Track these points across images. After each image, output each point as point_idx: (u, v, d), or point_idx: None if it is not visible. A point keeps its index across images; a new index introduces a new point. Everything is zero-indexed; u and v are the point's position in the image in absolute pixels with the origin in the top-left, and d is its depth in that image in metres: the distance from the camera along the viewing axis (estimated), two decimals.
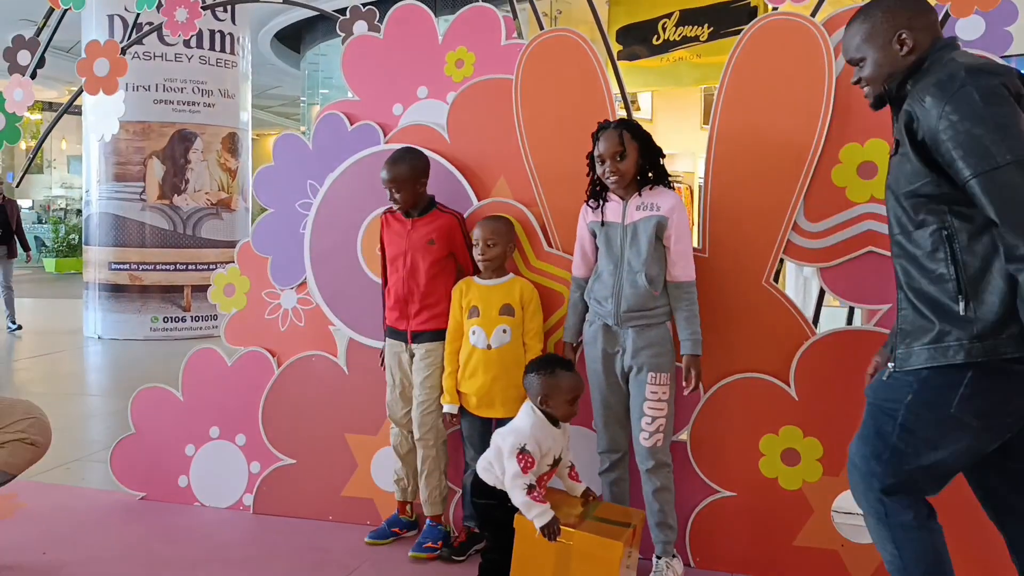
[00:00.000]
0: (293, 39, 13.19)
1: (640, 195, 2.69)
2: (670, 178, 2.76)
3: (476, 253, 2.91)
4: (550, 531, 2.35)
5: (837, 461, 2.70)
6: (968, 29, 2.72)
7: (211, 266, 7.94)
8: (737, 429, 2.85)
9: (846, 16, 2.70)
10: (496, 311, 2.87)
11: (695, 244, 2.88)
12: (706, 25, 7.79)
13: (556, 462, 2.53)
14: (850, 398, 2.61)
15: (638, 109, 9.89)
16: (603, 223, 2.73)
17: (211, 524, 3.30)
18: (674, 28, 8.03)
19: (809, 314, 2.97)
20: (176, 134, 8.20)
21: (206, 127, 8.37)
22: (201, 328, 8.34)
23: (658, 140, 2.79)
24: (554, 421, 2.52)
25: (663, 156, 2.75)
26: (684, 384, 2.68)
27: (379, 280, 3.18)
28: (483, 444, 2.76)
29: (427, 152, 3.11)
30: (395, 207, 3.02)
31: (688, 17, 7.93)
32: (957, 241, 1.84)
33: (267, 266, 3.43)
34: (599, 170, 2.70)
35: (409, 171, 2.96)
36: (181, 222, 8.26)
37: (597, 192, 2.76)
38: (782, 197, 2.79)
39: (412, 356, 3.04)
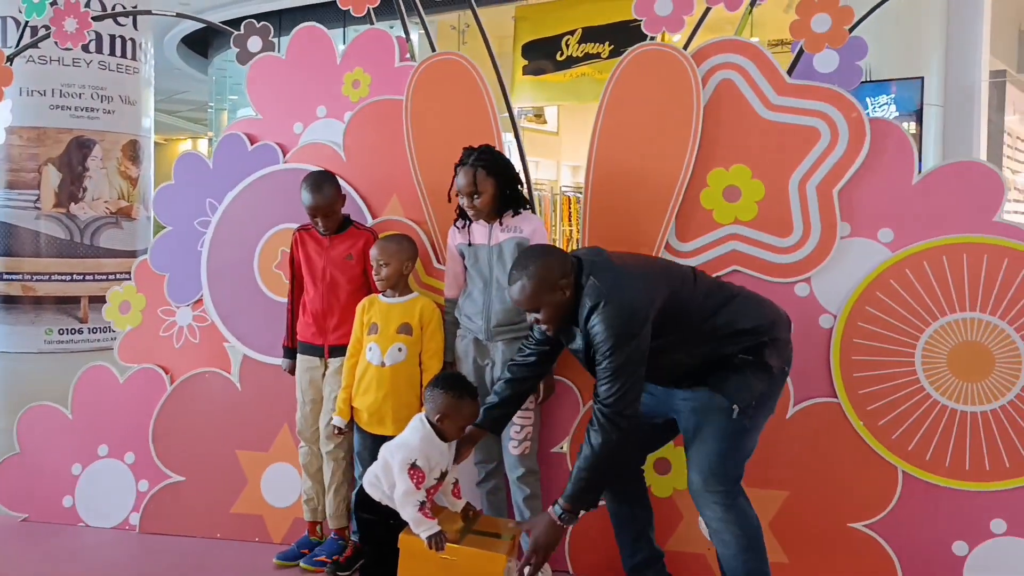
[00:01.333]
0: (200, 44, 12.94)
1: (502, 222, 2.84)
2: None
3: (374, 274, 2.94)
4: (436, 542, 2.41)
5: None
6: (823, 63, 2.95)
7: (110, 276, 7.73)
8: None
9: (714, 48, 2.91)
10: (394, 329, 2.90)
11: None
12: (607, 43, 8.07)
13: (443, 475, 2.60)
14: None
15: (544, 122, 10.11)
16: (470, 244, 2.87)
17: (94, 545, 3.26)
18: (577, 45, 8.28)
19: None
20: (73, 141, 7.95)
21: (105, 134, 8.14)
22: (99, 340, 8.09)
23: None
24: (442, 436, 2.57)
25: (522, 184, 2.91)
26: (532, 396, 2.80)
27: (276, 298, 3.23)
28: (373, 460, 2.78)
29: None
30: (320, 231, 3.06)
31: (591, 34, 8.19)
32: None
33: (164, 283, 3.42)
34: (460, 201, 2.83)
35: (333, 196, 3.02)
36: (78, 231, 8.01)
37: (463, 215, 2.90)
38: (656, 218, 2.95)
39: (326, 370, 3.08)
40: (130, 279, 3.47)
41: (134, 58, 8.30)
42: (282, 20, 10.06)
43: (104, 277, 7.93)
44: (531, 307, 2.38)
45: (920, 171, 2.78)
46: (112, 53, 8.11)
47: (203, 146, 21.06)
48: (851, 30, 2.91)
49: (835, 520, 2.82)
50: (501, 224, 2.85)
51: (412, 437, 2.53)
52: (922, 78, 6.79)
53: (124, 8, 7.95)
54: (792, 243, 2.86)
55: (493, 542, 2.49)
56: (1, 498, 3.48)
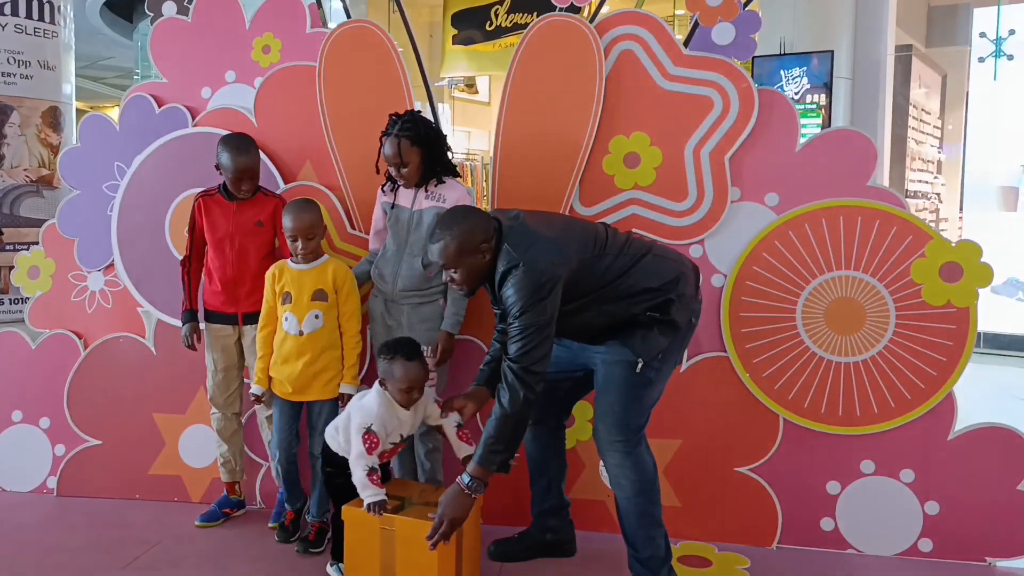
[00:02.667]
0: (125, 8, 12.54)
1: (428, 189, 2.89)
2: (455, 168, 2.98)
3: (296, 247, 2.83)
4: (375, 508, 2.45)
5: None
6: (720, 35, 3.09)
7: (32, 246, 7.54)
8: None
9: (616, 20, 3.03)
10: (308, 297, 2.85)
11: None
12: (536, 13, 8.07)
13: (402, 439, 2.63)
14: None
15: (476, 92, 10.14)
16: (394, 205, 2.94)
17: (10, 507, 3.30)
18: (506, 15, 8.32)
19: None
20: None
21: (23, 100, 7.87)
22: (21, 311, 7.91)
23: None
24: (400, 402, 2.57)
25: (449, 150, 2.98)
26: (431, 356, 2.83)
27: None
28: (290, 430, 2.92)
29: None
30: (242, 194, 3.03)
31: (519, 4, 8.25)
32: None
33: (73, 248, 3.42)
34: (389, 169, 2.89)
35: (257, 159, 3.05)
36: None
37: (391, 178, 2.95)
38: (561, 183, 3.08)
39: (240, 338, 3.11)
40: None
41: (52, 21, 8.04)
42: None
43: (25, 247, 7.71)
44: (449, 266, 2.43)
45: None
46: (29, 16, 7.84)
47: None
48: (745, 5, 3.05)
49: (723, 465, 3.02)
50: (426, 191, 2.90)
51: (372, 402, 2.56)
52: (832, 51, 7.03)
53: None
54: (687, 207, 3.01)
55: (428, 510, 2.49)
56: None
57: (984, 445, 2.86)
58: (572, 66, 3.05)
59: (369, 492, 2.48)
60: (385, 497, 2.50)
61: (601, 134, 3.05)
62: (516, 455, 2.47)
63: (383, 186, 3.01)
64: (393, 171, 2.87)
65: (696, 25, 3.08)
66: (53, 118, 8.16)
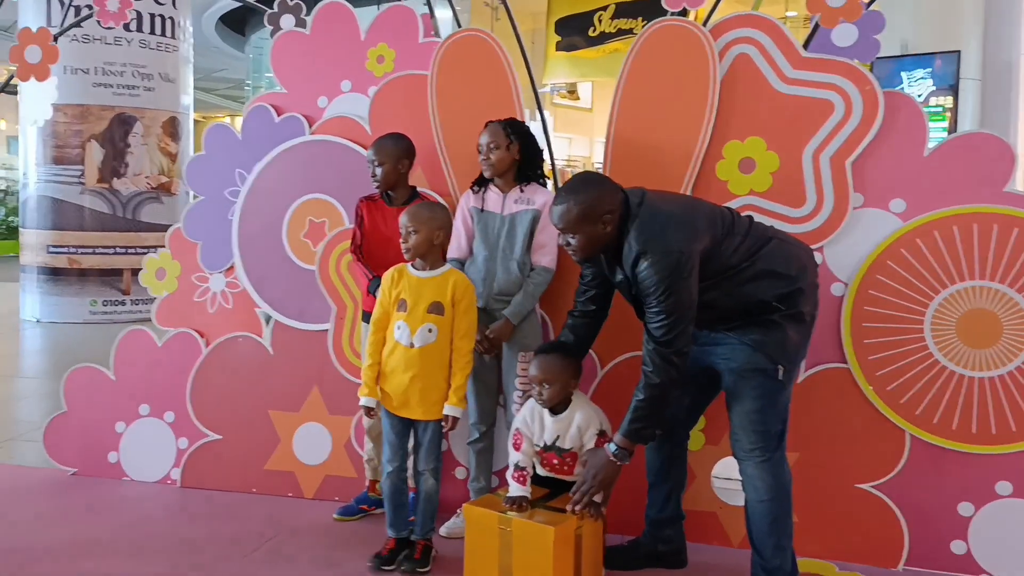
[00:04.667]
0: (238, 22, 13.13)
1: (518, 191, 2.95)
2: (545, 176, 3.02)
3: (401, 242, 2.76)
4: (512, 504, 2.56)
5: (717, 431, 2.96)
6: (841, 37, 2.99)
7: (151, 250, 7.95)
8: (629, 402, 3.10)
9: (731, 23, 2.97)
10: (424, 308, 2.72)
11: None
12: (640, 18, 8.06)
13: (549, 447, 2.65)
14: None
15: (577, 99, 10.13)
16: (483, 210, 2.97)
17: (138, 497, 3.45)
18: (610, 20, 8.29)
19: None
20: (115, 118, 8.18)
21: (146, 111, 8.37)
22: (141, 311, 8.35)
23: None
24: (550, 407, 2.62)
25: (542, 158, 3.02)
26: (525, 362, 2.88)
27: (304, 265, 3.38)
28: (400, 445, 2.82)
29: (349, 143, 3.31)
30: (374, 185, 3.08)
31: (623, 10, 8.20)
32: None
33: (197, 251, 3.58)
34: (480, 159, 2.94)
35: (394, 152, 3.06)
36: (121, 206, 8.26)
37: (480, 182, 3.01)
38: (673, 189, 3.01)
39: None
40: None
41: (173, 36, 8.49)
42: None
43: (145, 251, 8.12)
44: (569, 230, 2.43)
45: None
46: (152, 32, 8.31)
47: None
48: (868, 5, 2.94)
49: (844, 481, 2.89)
50: (515, 195, 2.96)
51: (526, 406, 2.71)
52: (959, 52, 6.70)
53: None
54: (805, 213, 2.92)
55: (553, 516, 2.53)
56: (51, 453, 3.69)
57: None
58: (685, 71, 3.00)
59: (512, 488, 2.60)
60: (526, 495, 2.58)
61: (715, 139, 2.98)
62: (659, 431, 2.57)
63: (470, 188, 3.03)
64: (483, 159, 2.93)
65: (816, 27, 2.98)
66: (173, 128, 8.61)
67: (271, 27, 3.79)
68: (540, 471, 2.74)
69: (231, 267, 3.53)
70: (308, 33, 3.51)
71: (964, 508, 2.81)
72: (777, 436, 2.50)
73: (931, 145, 2.82)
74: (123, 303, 8.34)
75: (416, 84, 3.29)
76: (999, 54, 6.96)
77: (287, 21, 3.76)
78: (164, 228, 8.24)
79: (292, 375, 3.44)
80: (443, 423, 2.76)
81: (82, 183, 8.15)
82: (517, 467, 2.61)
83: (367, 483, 3.29)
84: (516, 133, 2.94)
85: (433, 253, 2.77)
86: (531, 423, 2.68)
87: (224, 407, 3.52)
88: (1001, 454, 2.76)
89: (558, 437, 2.65)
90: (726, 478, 3.05)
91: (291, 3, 3.77)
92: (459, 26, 3.41)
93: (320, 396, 3.41)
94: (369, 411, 2.84)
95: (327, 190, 3.40)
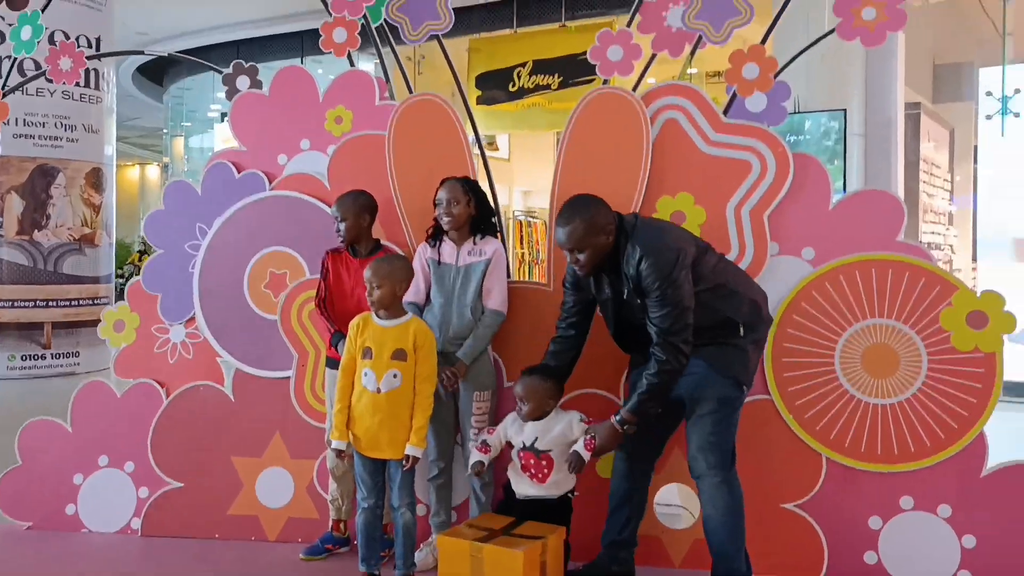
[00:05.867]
0: (156, 72, 13.08)
1: (472, 243, 3.24)
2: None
3: (366, 294, 2.96)
4: (474, 468, 2.97)
5: (660, 461, 3.25)
6: (753, 104, 3.39)
7: (73, 302, 7.85)
8: None
9: (661, 91, 3.33)
10: (388, 355, 2.92)
11: (544, 281, 3.42)
12: (556, 75, 8.51)
13: (528, 447, 2.94)
14: None
15: (496, 149, 10.51)
16: (439, 262, 3.23)
17: (99, 546, 3.50)
18: (528, 76, 8.71)
19: None
20: (37, 169, 8.07)
21: (69, 162, 8.28)
22: (62, 366, 8.17)
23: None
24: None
25: (494, 215, 3.34)
26: (482, 402, 3.22)
27: (266, 315, 3.55)
28: (375, 484, 3.00)
29: (309, 199, 3.52)
30: (338, 240, 3.29)
31: (541, 67, 8.63)
32: None
33: (157, 303, 3.69)
34: (436, 212, 3.22)
35: (354, 208, 3.27)
36: (42, 258, 8.10)
37: (436, 235, 3.28)
38: None
39: None
40: (92, 304, 3.74)
41: (97, 87, 8.47)
42: (239, 50, 10.32)
43: (67, 303, 8.02)
44: (578, 247, 2.77)
45: (843, 194, 3.26)
46: (76, 83, 8.27)
47: (153, 172, 20.96)
48: (776, 76, 3.36)
49: (770, 502, 3.21)
50: (468, 247, 3.24)
51: (508, 416, 3.07)
52: (844, 110, 7.37)
53: (90, 40, 8.13)
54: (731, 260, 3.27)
55: (523, 542, 2.74)
56: (4, 508, 3.68)
57: (1016, 481, 3.06)
58: (621, 134, 3.34)
59: (473, 454, 3.01)
60: (483, 460, 2.96)
61: (649, 195, 3.32)
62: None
63: (426, 241, 3.29)
64: (443, 213, 3.19)
65: (734, 95, 3.38)
66: (96, 179, 8.54)
67: (226, 88, 3.97)
68: (515, 484, 2.98)
69: (192, 318, 3.66)
70: (267, 95, 3.72)
71: (874, 522, 3.16)
72: (731, 455, 2.84)
73: (835, 199, 3.23)
74: (43, 357, 8.13)
75: (373, 143, 3.54)
76: (880, 112, 7.65)
77: (242, 82, 3.95)
78: (87, 280, 8.22)
79: (254, 421, 3.58)
80: (403, 462, 2.95)
81: (1, 235, 7.98)
82: (484, 443, 2.98)
83: (331, 523, 3.43)
84: (472, 190, 3.23)
85: (396, 304, 2.99)
86: (509, 426, 3.00)
87: (185, 455, 3.62)
88: (903, 472, 3.13)
89: (536, 439, 2.93)
90: (667, 504, 3.35)
91: (246, 65, 3.96)
92: (411, 91, 3.68)
93: (282, 441, 3.56)
94: (340, 453, 3.02)
95: (288, 243, 3.59)
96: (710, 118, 3.30)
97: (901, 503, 3.14)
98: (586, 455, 2.85)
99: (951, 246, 9.41)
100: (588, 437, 2.86)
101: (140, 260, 13.55)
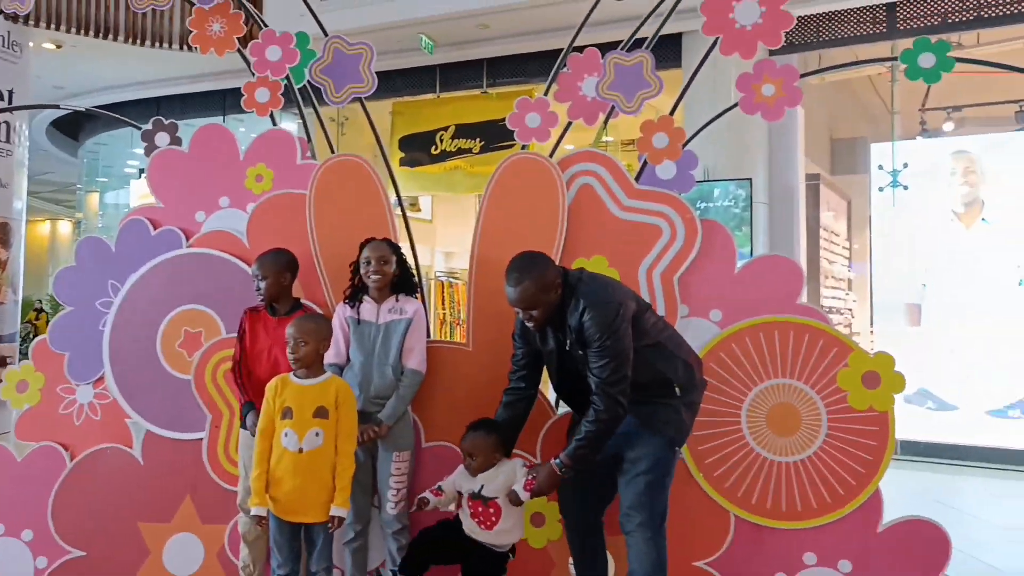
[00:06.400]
0: (71, 126, 12.76)
1: (393, 301, 3.28)
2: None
3: (287, 351, 2.92)
4: (420, 501, 3.04)
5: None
6: (663, 172, 3.56)
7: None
8: None
9: (576, 158, 3.47)
10: (310, 413, 2.88)
11: (464, 341, 3.47)
12: (478, 139, 8.70)
13: (475, 495, 2.98)
14: None
15: (419, 210, 10.60)
16: (359, 320, 3.25)
17: None
18: (450, 140, 8.87)
19: (552, 398, 3.59)
20: None
21: None
22: None
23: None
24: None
25: (414, 275, 3.41)
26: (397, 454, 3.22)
27: (179, 375, 3.47)
28: (292, 550, 2.94)
29: (228, 257, 3.50)
30: (259, 299, 3.28)
31: (463, 131, 8.81)
32: None
33: (64, 362, 3.58)
34: (363, 271, 3.25)
35: (277, 265, 3.27)
36: None
37: (355, 294, 3.30)
38: None
39: None
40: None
41: (8, 141, 8.23)
42: (160, 106, 10.20)
43: None
44: (530, 306, 2.85)
45: (750, 258, 3.43)
46: None
47: (65, 228, 20.26)
48: (684, 146, 3.55)
49: (682, 560, 3.27)
50: (388, 305, 3.27)
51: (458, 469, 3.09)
52: (750, 179, 7.75)
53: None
54: None
55: None
56: None
57: (910, 537, 3.20)
58: (538, 197, 3.46)
59: (425, 493, 3.07)
60: (428, 497, 3.03)
61: (565, 256, 3.43)
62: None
63: (344, 302, 3.31)
64: (372, 272, 3.22)
65: (645, 163, 3.55)
66: (4, 234, 8.22)
67: (145, 144, 3.94)
68: (466, 525, 3.01)
69: (100, 378, 3.56)
70: (186, 152, 3.72)
71: None
72: (661, 515, 2.91)
73: (740, 264, 3.41)
74: None
75: (293, 202, 3.57)
76: (783, 181, 8.07)
77: (161, 139, 3.94)
78: None
79: (163, 485, 3.47)
80: (330, 523, 2.91)
81: None
82: (439, 487, 3.05)
83: None
84: (396, 251, 3.28)
85: (318, 362, 2.99)
86: (459, 476, 3.05)
87: (89, 522, 3.48)
88: (805, 528, 3.25)
89: (482, 486, 2.98)
90: None
91: (166, 122, 3.96)
92: (333, 151, 3.73)
93: (193, 505, 3.46)
94: (260, 519, 2.92)
95: (204, 301, 3.56)
96: (623, 184, 3.45)
97: (805, 559, 3.25)
98: (524, 495, 2.91)
99: (850, 310, 9.89)
100: (529, 478, 2.94)
101: (37, 319, 12.98)
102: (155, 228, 3.64)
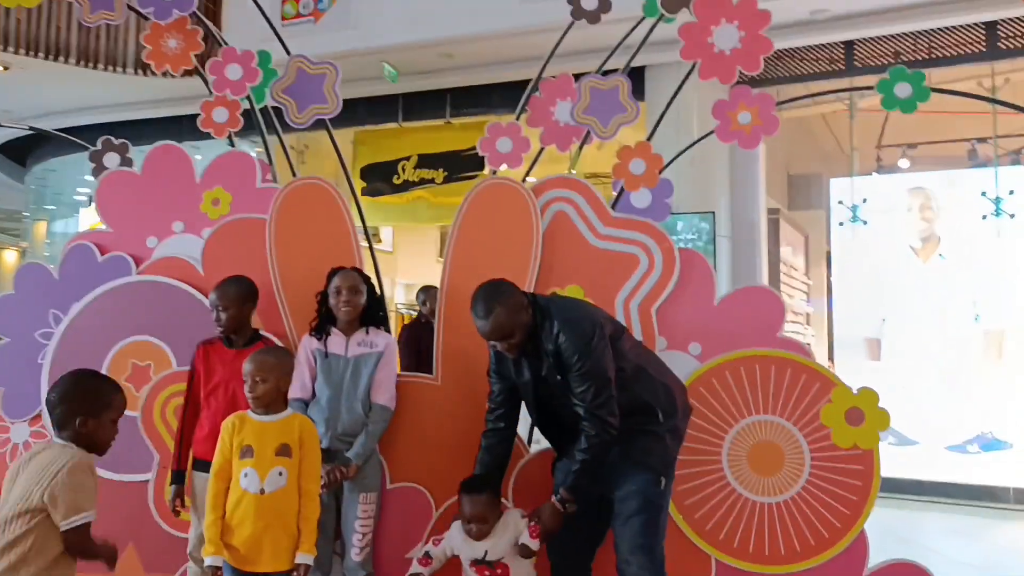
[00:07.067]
0: (18, 151, 12.33)
1: (363, 333, 3.10)
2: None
3: (245, 389, 2.68)
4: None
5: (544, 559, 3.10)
6: (639, 200, 3.45)
7: None
8: None
9: (551, 184, 3.35)
10: (272, 451, 2.63)
11: (431, 374, 3.29)
12: (441, 169, 8.58)
13: (479, 561, 2.78)
14: None
15: (379, 242, 10.40)
16: (327, 354, 3.06)
17: None
18: (413, 170, 8.74)
19: (526, 435, 3.43)
20: None
21: None
22: None
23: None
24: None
25: (383, 310, 3.23)
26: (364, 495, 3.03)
27: (126, 412, 3.21)
28: None
29: (180, 285, 3.28)
30: (218, 330, 3.07)
31: (425, 161, 8.69)
32: None
33: None
34: (332, 301, 3.06)
35: (237, 296, 3.06)
36: None
37: (322, 326, 3.10)
38: None
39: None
40: None
41: None
42: (113, 132, 9.86)
43: None
44: (506, 334, 2.69)
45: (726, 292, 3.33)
46: None
47: (11, 257, 19.58)
48: (660, 172, 3.45)
49: None
50: (358, 338, 3.08)
51: (454, 526, 2.89)
52: (713, 212, 7.75)
53: None
54: None
55: None
56: None
57: None
58: (512, 224, 3.33)
59: (414, 565, 2.88)
60: (421, 572, 2.83)
61: (539, 286, 3.29)
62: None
63: (310, 334, 3.11)
64: (343, 303, 3.03)
65: (621, 191, 3.44)
66: None
67: (93, 165, 3.72)
68: None
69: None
70: (139, 173, 3.51)
71: None
72: (660, 560, 2.72)
73: (719, 295, 3.30)
74: None
75: (252, 227, 3.38)
76: (744, 215, 8.10)
77: (111, 159, 3.73)
78: None
79: (104, 531, 3.13)
80: (295, 572, 2.64)
81: None
82: (426, 554, 2.84)
83: None
84: (366, 281, 3.10)
85: (279, 400, 2.73)
86: (455, 539, 2.85)
87: None
88: (790, 573, 3.11)
89: (486, 552, 2.79)
90: None
91: (116, 142, 3.75)
92: (294, 174, 3.56)
93: (136, 554, 3.23)
94: (217, 571, 2.64)
95: (154, 332, 3.34)
96: (599, 212, 3.34)
97: None
98: (533, 544, 2.75)
99: (809, 344, 9.92)
100: (532, 524, 2.78)
101: None
102: (102, 254, 3.43)
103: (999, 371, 7.14)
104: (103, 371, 3.29)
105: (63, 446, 2.27)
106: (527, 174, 3.60)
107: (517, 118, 3.55)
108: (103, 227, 3.53)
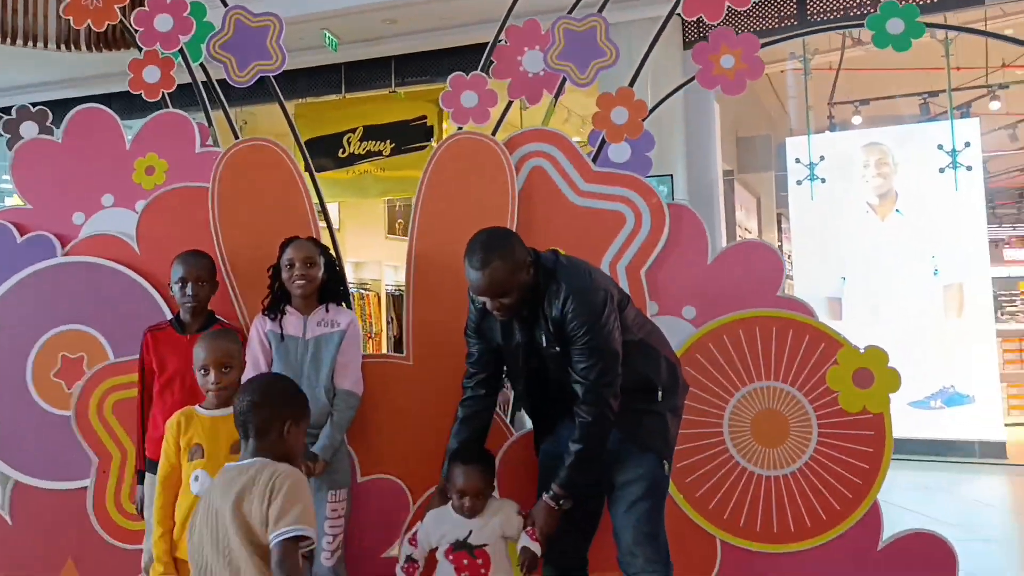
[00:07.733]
0: None
1: (322, 311, 2.78)
2: (363, 288, 2.88)
3: (207, 381, 2.40)
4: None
5: None
6: (618, 154, 3.18)
7: None
8: None
9: (525, 137, 3.05)
10: (226, 449, 2.34)
11: (402, 353, 2.98)
12: (388, 141, 8.21)
13: (460, 544, 2.47)
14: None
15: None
16: (282, 336, 2.73)
17: None
18: (359, 143, 8.34)
19: (508, 417, 3.15)
20: None
21: None
22: None
23: (346, 248, 2.92)
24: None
25: (343, 284, 2.92)
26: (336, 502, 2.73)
27: (56, 411, 2.84)
28: None
29: (114, 265, 2.90)
30: (187, 306, 2.72)
31: (371, 133, 8.30)
32: None
33: None
34: (285, 276, 2.74)
35: (207, 261, 2.75)
36: None
37: (275, 304, 2.77)
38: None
39: None
40: None
41: None
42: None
43: None
44: (502, 291, 2.36)
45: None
46: None
47: None
48: (644, 120, 3.18)
49: None
50: (318, 317, 2.76)
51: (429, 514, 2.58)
52: (671, 175, 7.56)
53: None
54: None
55: None
56: None
57: (913, 554, 2.88)
58: (483, 184, 3.03)
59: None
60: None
61: None
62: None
63: (263, 313, 2.78)
64: (296, 276, 2.72)
65: (603, 141, 3.16)
66: None
67: (7, 135, 3.29)
68: None
69: None
70: (60, 142, 3.10)
71: None
72: (665, 548, 2.47)
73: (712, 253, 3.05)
74: None
75: (193, 197, 3.02)
76: (701, 177, 7.95)
77: (29, 129, 3.29)
78: None
79: (39, 546, 2.87)
80: None
81: None
82: (409, 559, 2.52)
83: None
84: (324, 252, 2.76)
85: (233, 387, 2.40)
86: (431, 526, 2.53)
87: None
88: (799, 551, 2.89)
89: (470, 532, 2.49)
90: None
91: (34, 109, 3.31)
92: (237, 137, 3.19)
93: (76, 570, 2.87)
94: None
95: (85, 319, 2.99)
96: (579, 166, 3.06)
97: None
98: (535, 547, 2.45)
99: None
100: (529, 528, 2.48)
101: None
102: (22, 234, 3.03)
103: (959, 325, 7.12)
104: (28, 366, 2.91)
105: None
106: (494, 132, 3.30)
107: (482, 69, 3.23)
108: (21, 204, 3.12)
